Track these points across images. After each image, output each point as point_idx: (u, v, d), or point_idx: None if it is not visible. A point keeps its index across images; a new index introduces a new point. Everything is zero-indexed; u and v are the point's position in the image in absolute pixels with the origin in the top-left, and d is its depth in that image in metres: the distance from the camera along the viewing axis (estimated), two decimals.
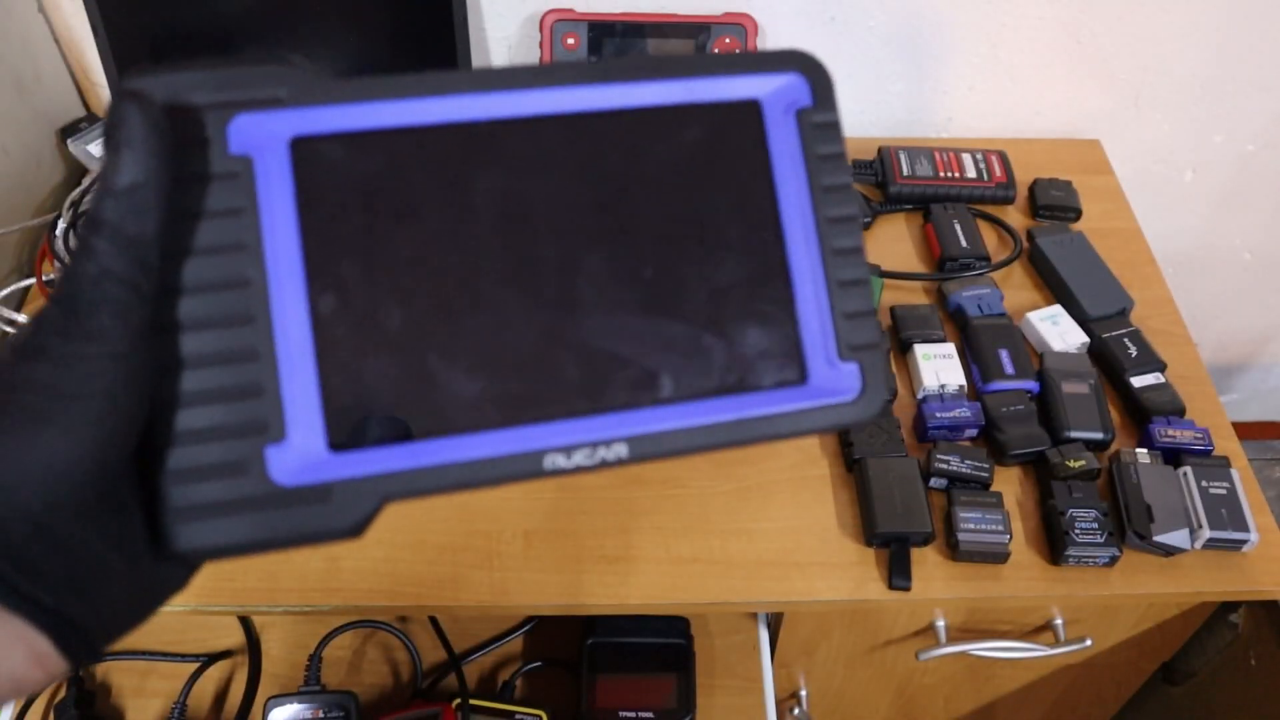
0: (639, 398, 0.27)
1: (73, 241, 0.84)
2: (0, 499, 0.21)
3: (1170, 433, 0.72)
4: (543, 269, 0.27)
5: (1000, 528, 0.67)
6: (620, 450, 0.27)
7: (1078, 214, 0.92)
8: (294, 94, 0.26)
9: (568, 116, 0.27)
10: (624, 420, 0.27)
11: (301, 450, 0.25)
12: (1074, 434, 0.72)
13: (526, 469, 0.26)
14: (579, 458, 0.26)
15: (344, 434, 0.25)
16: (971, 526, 0.67)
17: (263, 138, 0.26)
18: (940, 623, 0.77)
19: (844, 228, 0.29)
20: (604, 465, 0.27)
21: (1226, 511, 0.68)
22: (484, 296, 0.27)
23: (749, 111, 0.29)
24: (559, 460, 0.26)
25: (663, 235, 0.28)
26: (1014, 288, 0.86)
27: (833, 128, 0.29)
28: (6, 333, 0.80)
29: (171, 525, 0.24)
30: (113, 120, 0.24)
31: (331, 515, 0.25)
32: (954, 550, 0.68)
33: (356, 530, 0.25)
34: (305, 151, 0.26)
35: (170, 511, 0.24)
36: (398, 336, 0.26)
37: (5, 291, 0.82)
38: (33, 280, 0.83)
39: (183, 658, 0.79)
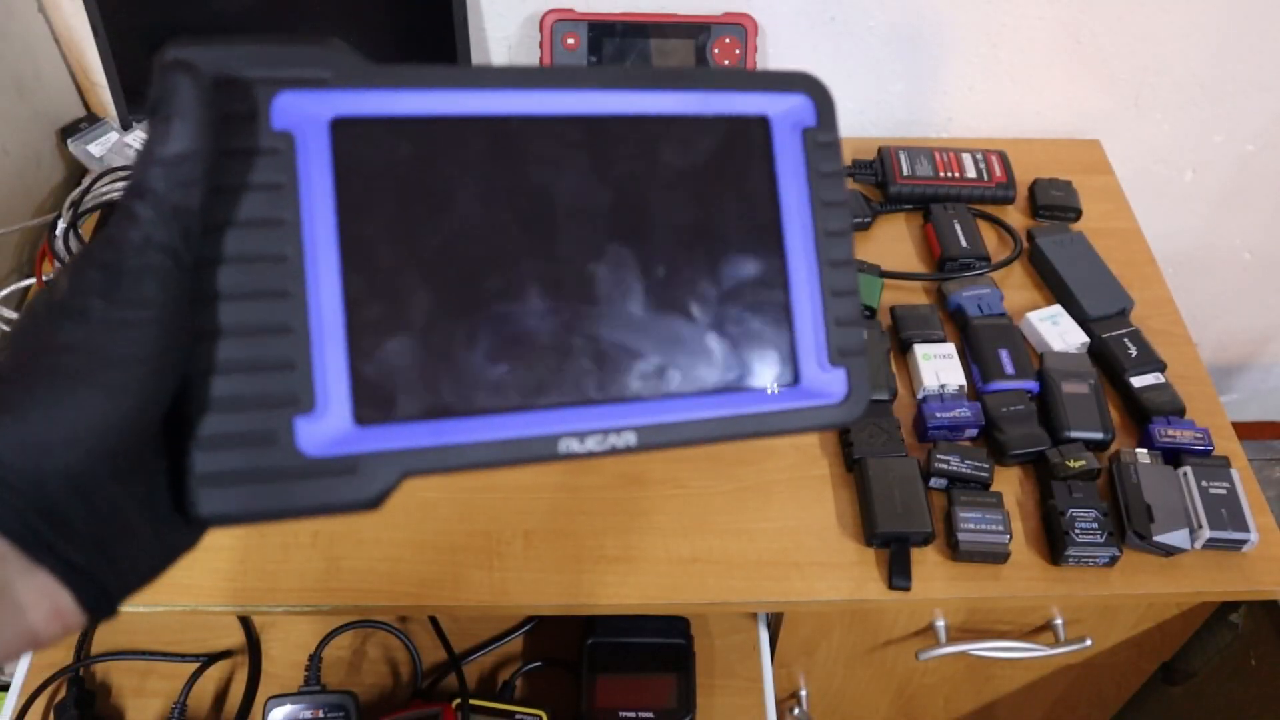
0: (648, 389, 0.29)
1: (73, 242, 0.84)
2: (39, 456, 0.21)
3: (1170, 433, 0.72)
4: (563, 262, 0.28)
5: (1000, 528, 0.67)
6: (629, 438, 0.28)
7: (1078, 214, 0.92)
8: (337, 75, 0.26)
9: (594, 119, 0.29)
10: (634, 410, 0.28)
11: (329, 423, 0.26)
12: (1074, 434, 0.72)
13: (542, 451, 0.27)
14: (591, 443, 0.28)
15: (370, 409, 0.26)
16: (971, 526, 0.67)
17: (305, 116, 0.26)
18: (940, 623, 0.77)
19: (840, 241, 0.31)
20: (614, 452, 0.28)
21: (1226, 511, 0.68)
22: (507, 285, 0.28)
23: (759, 127, 0.30)
24: (573, 445, 0.27)
25: (675, 238, 0.29)
26: (1014, 288, 0.86)
27: (833, 147, 0.31)
28: (7, 332, 0.80)
29: (196, 490, 0.25)
30: (163, 89, 0.24)
31: (355, 487, 0.26)
32: (954, 550, 0.68)
33: (377, 502, 0.26)
34: (345, 132, 0.26)
35: (196, 477, 0.25)
36: (425, 318, 0.27)
37: (5, 291, 0.82)
38: (33, 280, 0.83)
39: (183, 658, 0.79)
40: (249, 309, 0.25)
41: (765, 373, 0.30)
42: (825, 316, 0.30)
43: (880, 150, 0.94)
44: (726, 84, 0.30)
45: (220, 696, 0.79)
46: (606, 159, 0.29)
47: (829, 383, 0.30)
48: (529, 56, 0.94)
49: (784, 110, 0.30)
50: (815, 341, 0.30)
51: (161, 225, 0.23)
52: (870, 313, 0.81)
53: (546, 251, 0.28)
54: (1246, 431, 1.48)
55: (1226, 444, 0.74)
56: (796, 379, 0.30)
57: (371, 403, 0.26)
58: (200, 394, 0.25)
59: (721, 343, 0.29)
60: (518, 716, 0.74)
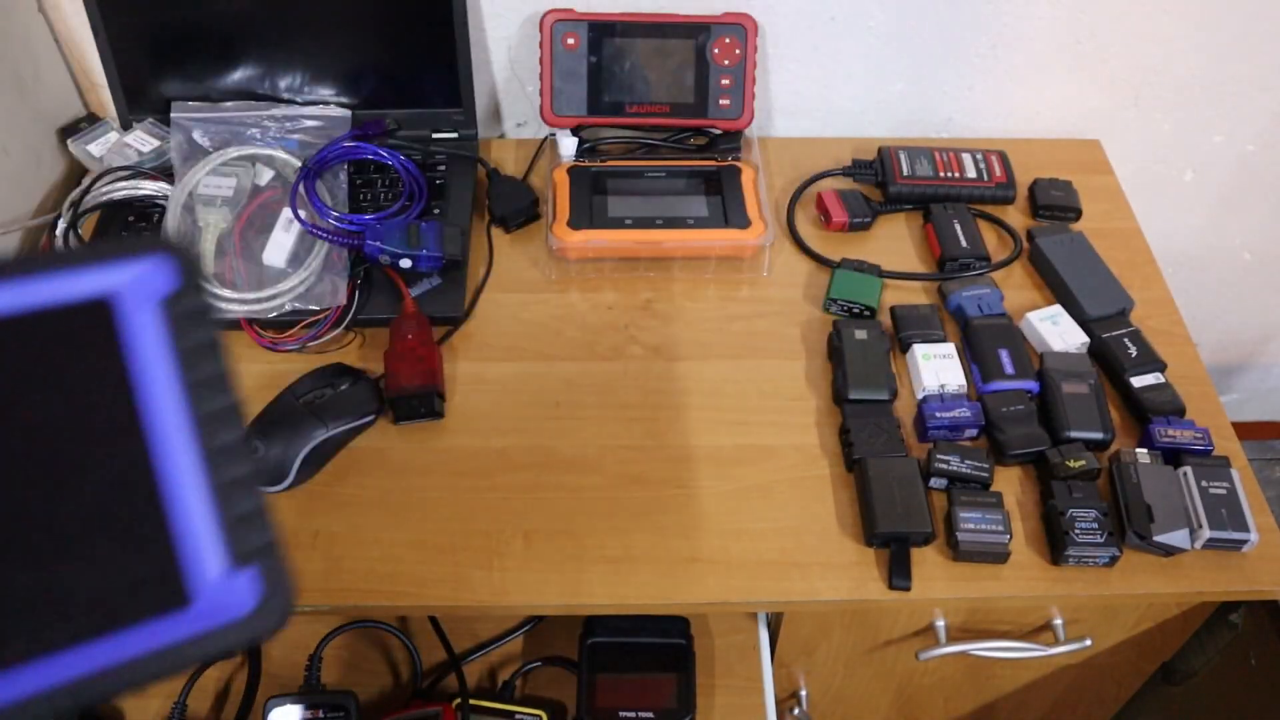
0: None
1: (73, 241, 0.84)
2: None
3: (1170, 433, 0.72)
4: None
5: (1000, 528, 0.67)
6: None
7: (1078, 214, 0.92)
8: None
9: None
10: None
11: None
12: (1074, 434, 0.72)
13: None
14: None
15: None
16: (971, 526, 0.67)
17: None
18: (940, 623, 0.77)
19: (225, 423, 0.26)
20: None
21: (1226, 511, 0.68)
22: None
23: (98, 311, 0.26)
24: None
25: (9, 465, 0.24)
26: (1014, 288, 0.86)
27: (202, 314, 0.27)
28: None
29: None
30: None
31: None
32: (954, 550, 0.68)
33: None
34: None
35: None
36: None
37: None
38: None
39: None
40: None
41: (142, 603, 0.24)
42: (220, 514, 0.25)
43: (880, 150, 0.94)
44: (55, 265, 0.25)
45: (220, 696, 0.79)
46: None
47: (234, 593, 0.25)
48: (529, 56, 0.94)
49: (128, 282, 0.26)
50: (209, 548, 0.25)
51: None
52: (870, 312, 0.81)
53: None
54: (1246, 431, 1.49)
55: (1226, 444, 0.74)
56: (187, 599, 0.25)
57: None
58: None
59: (79, 580, 0.24)
60: (518, 716, 0.74)
